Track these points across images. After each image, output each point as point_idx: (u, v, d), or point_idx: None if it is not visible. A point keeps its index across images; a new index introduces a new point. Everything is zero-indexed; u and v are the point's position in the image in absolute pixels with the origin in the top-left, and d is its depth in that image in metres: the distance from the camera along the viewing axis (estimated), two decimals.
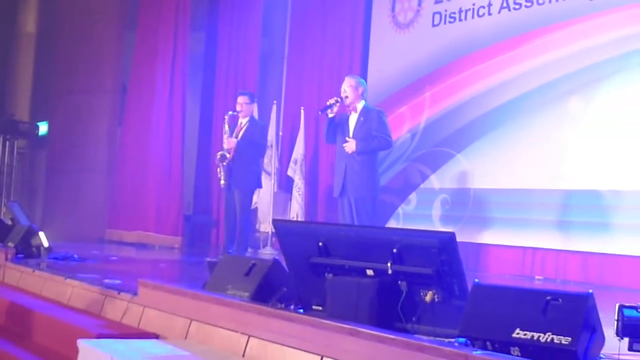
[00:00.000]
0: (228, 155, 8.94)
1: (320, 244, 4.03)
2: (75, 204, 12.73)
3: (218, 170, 9.07)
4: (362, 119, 8.01)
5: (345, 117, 8.16)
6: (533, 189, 8.66)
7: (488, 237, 9.04)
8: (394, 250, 3.74)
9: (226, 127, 9.13)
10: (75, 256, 8.34)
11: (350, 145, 7.94)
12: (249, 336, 4.13)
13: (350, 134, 8.00)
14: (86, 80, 13.07)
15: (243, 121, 9.17)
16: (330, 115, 8.08)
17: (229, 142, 9.01)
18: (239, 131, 9.13)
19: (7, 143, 15.21)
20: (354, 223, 7.79)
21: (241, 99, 9.19)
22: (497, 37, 9.19)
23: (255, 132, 9.16)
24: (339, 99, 8.08)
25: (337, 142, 8.18)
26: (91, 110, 13.05)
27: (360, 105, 8.09)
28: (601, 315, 3.29)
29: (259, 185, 9.49)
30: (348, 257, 3.97)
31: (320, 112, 8.45)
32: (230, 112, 9.23)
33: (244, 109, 9.13)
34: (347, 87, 8.09)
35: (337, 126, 8.13)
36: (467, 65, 9.50)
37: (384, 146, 8.18)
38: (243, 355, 4.11)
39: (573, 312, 3.16)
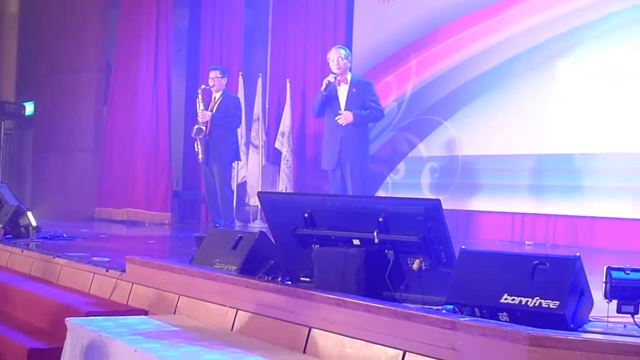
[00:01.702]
0: (204, 128, 8.99)
1: (306, 215, 4.01)
2: (64, 183, 12.69)
3: (195, 144, 9.12)
4: (354, 90, 7.96)
5: (334, 89, 8.08)
6: (521, 155, 8.64)
7: (477, 204, 9.04)
8: (380, 219, 3.72)
9: (200, 101, 9.19)
10: (64, 235, 8.31)
11: (347, 117, 7.89)
12: (237, 309, 4.12)
13: (342, 106, 7.95)
14: (71, 59, 12.98)
15: (217, 95, 9.26)
16: (324, 93, 8.01)
17: (203, 116, 9.08)
18: (214, 105, 9.19)
19: None
20: (347, 193, 7.77)
21: (213, 74, 9.30)
22: (482, 3, 9.13)
23: (230, 105, 9.23)
24: (335, 75, 8.02)
25: (325, 116, 8.13)
26: (76, 89, 12.98)
27: (348, 76, 8.05)
28: (590, 278, 3.28)
29: (238, 158, 9.53)
30: (334, 227, 3.95)
31: (323, 92, 8.09)
32: (202, 86, 9.30)
33: (216, 83, 9.23)
34: (339, 58, 8.02)
35: (326, 99, 8.07)
36: (452, 32, 9.45)
37: (378, 117, 8.18)
38: (232, 329, 4.10)
39: (561, 276, 3.15)
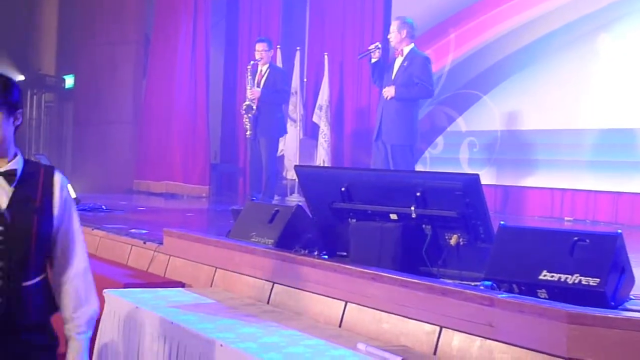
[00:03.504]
0: (253, 105, 8.92)
1: (343, 189, 3.99)
2: (103, 156, 12.78)
3: (244, 120, 9.06)
4: (405, 63, 7.90)
5: (393, 60, 8.08)
6: (561, 129, 8.53)
7: (516, 179, 8.94)
8: (418, 194, 3.69)
9: (249, 77, 9.10)
10: (104, 207, 8.39)
11: (389, 91, 7.84)
12: (274, 283, 4.12)
13: (392, 78, 7.91)
14: (110, 32, 13.04)
15: (263, 68, 9.13)
16: (374, 60, 8.01)
17: (253, 92, 8.98)
18: (261, 79, 9.10)
19: (35, 97, 15.26)
20: (388, 168, 7.72)
21: (259, 46, 9.15)
22: None
23: (277, 79, 9.13)
24: (379, 45, 8.01)
25: (382, 85, 8.10)
26: (116, 61, 13.04)
27: (407, 48, 7.95)
28: (631, 256, 3.22)
29: (284, 132, 9.49)
30: (371, 201, 3.92)
31: (359, 57, 8.36)
32: (252, 62, 9.20)
33: (264, 56, 9.10)
34: (391, 30, 8.03)
35: (384, 69, 8.04)
36: (491, 6, 9.32)
37: (424, 94, 8.02)
38: (268, 302, 4.10)
39: (601, 253, 3.10)
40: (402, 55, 7.97)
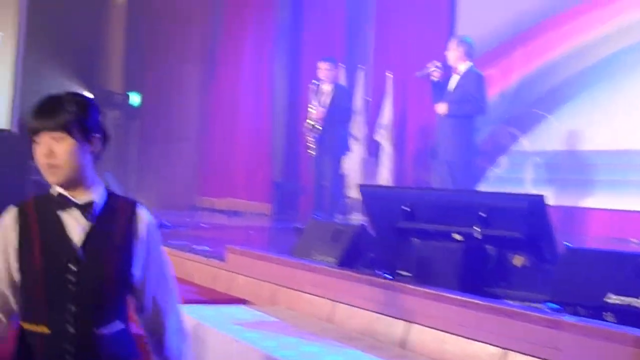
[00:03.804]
0: (318, 127, 8.92)
1: (407, 208, 3.98)
2: (167, 172, 12.92)
3: (308, 139, 9.07)
4: (462, 81, 7.91)
5: (449, 78, 8.10)
6: (628, 150, 8.39)
7: (582, 200, 8.82)
8: (482, 214, 3.67)
9: (312, 96, 9.10)
10: (167, 223, 8.47)
11: (441, 108, 7.85)
12: (336, 302, 4.11)
13: (449, 96, 7.91)
14: (175, 50, 13.22)
15: (328, 88, 9.13)
16: (434, 79, 8.02)
17: (317, 112, 8.99)
18: (326, 99, 9.10)
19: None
20: (447, 186, 7.70)
21: (323, 65, 9.15)
22: None
23: (342, 99, 9.12)
24: (438, 63, 8.01)
25: None
26: (181, 79, 13.21)
27: (463, 67, 7.96)
28: None
29: (348, 149, 9.47)
30: (434, 221, 3.91)
31: (417, 75, 8.37)
32: (314, 81, 9.21)
33: (328, 75, 9.10)
34: (449, 48, 8.07)
35: (444, 88, 8.05)
36: (558, 24, 9.23)
37: (476, 111, 7.99)
38: (330, 321, 4.09)
39: None
40: (458, 74, 7.96)
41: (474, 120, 8.11)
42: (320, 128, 8.90)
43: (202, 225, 9.52)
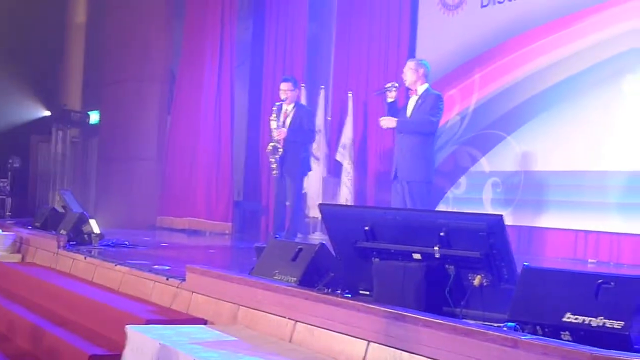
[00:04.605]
0: (280, 148, 8.93)
1: (367, 228, 4.00)
2: (127, 191, 12.85)
3: (270, 160, 9.08)
4: (420, 101, 7.97)
5: (407, 100, 8.18)
6: (586, 171, 8.50)
7: (540, 220, 8.91)
8: (441, 234, 3.69)
9: (274, 118, 9.11)
10: (127, 243, 8.43)
11: (387, 122, 7.94)
12: (296, 321, 4.11)
13: (409, 116, 7.97)
14: (135, 69, 13.17)
15: (289, 108, 9.16)
16: (390, 100, 8.08)
17: (279, 133, 9.00)
18: (285, 118, 9.12)
19: (60, 132, 15.41)
20: (406, 207, 7.73)
21: (284, 86, 9.19)
22: (547, 17, 9.01)
23: (304, 119, 9.15)
24: (396, 84, 8.09)
25: None
26: (141, 98, 13.16)
27: (421, 88, 8.04)
28: None
29: (309, 169, 9.50)
30: (395, 241, 3.93)
31: (375, 94, 8.58)
32: (277, 103, 9.23)
33: (289, 95, 9.14)
34: (407, 69, 8.11)
35: (399, 110, 8.12)
36: (517, 46, 9.35)
37: (425, 127, 7.96)
38: (290, 340, 4.09)
39: (626, 296, 3.08)
40: (416, 95, 8.03)
41: (433, 139, 8.17)
42: (282, 149, 8.92)
43: (162, 244, 9.48)
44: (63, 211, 9.21)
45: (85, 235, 8.12)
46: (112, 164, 13.37)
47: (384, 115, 8.21)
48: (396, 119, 7.94)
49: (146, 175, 13.04)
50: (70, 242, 7.92)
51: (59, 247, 7.82)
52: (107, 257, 6.95)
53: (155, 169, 13.09)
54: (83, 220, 8.24)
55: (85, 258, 7.14)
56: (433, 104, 7.96)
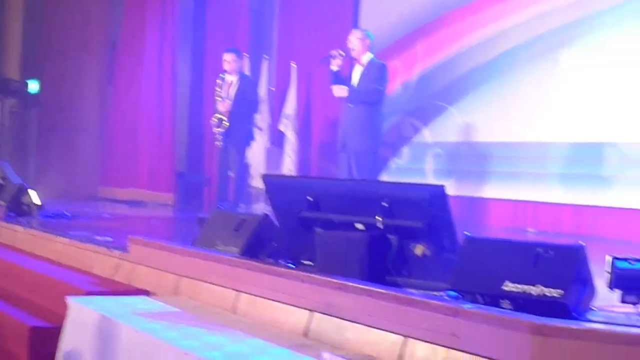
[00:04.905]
0: (225, 120, 8.88)
1: (310, 198, 4.00)
2: (68, 162, 12.69)
3: (215, 132, 9.02)
4: (365, 71, 7.99)
5: (351, 70, 8.18)
6: (526, 142, 8.61)
7: (482, 190, 9.01)
8: (384, 204, 3.71)
9: (218, 89, 9.04)
10: (67, 214, 8.33)
11: (339, 91, 7.94)
12: (239, 292, 4.11)
13: (356, 86, 7.97)
14: (76, 38, 12.97)
15: (233, 79, 9.10)
16: (334, 69, 8.07)
17: (223, 105, 8.94)
18: (229, 89, 9.06)
19: None
20: (352, 177, 7.77)
21: (228, 57, 9.12)
22: None
23: (247, 89, 9.11)
24: (341, 52, 8.07)
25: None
26: (81, 69, 12.98)
27: (366, 58, 8.06)
28: (593, 268, 3.26)
29: (252, 139, 9.48)
30: (338, 211, 3.94)
31: (319, 62, 8.59)
32: (221, 75, 9.16)
33: (233, 67, 9.07)
34: (354, 39, 8.11)
35: (343, 79, 8.12)
36: (459, 17, 9.39)
37: (374, 96, 8.02)
38: (233, 311, 4.09)
39: (564, 264, 3.13)
40: (361, 65, 8.04)
41: (380, 109, 8.19)
42: (227, 122, 8.87)
43: (104, 215, 9.39)
44: (2, 182, 9.06)
45: (25, 206, 7.99)
46: (53, 135, 13.18)
47: (331, 85, 8.21)
48: (347, 88, 7.94)
49: (87, 146, 12.90)
50: (10, 213, 7.81)
51: None
52: (47, 229, 6.87)
53: (96, 139, 12.95)
54: (22, 191, 8.11)
55: (25, 229, 7.05)
56: (379, 73, 7.99)
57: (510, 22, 8.84)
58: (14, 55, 15.32)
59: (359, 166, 7.87)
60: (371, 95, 7.97)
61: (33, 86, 14.55)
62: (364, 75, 7.99)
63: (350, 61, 8.37)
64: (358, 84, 7.99)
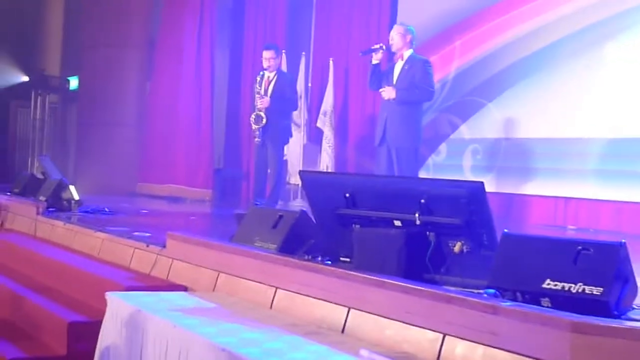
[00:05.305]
0: (263, 116, 8.87)
1: (348, 195, 3.98)
2: (107, 158, 12.79)
3: (253, 128, 9.01)
4: (406, 67, 7.95)
5: (392, 65, 8.16)
6: (565, 138, 8.53)
7: (520, 187, 8.94)
8: (422, 201, 3.69)
9: (258, 86, 9.03)
10: (106, 209, 8.39)
11: (389, 93, 7.89)
12: (276, 288, 4.11)
13: (394, 82, 7.95)
14: (115, 34, 13.06)
15: (270, 75, 9.09)
16: (375, 62, 8.09)
17: (262, 102, 8.93)
18: (268, 86, 9.05)
19: (39, 98, 15.30)
20: (393, 173, 7.75)
21: (267, 54, 9.09)
22: None
23: (285, 86, 9.09)
24: (384, 46, 8.08)
25: (379, 89, 8.12)
26: (120, 64, 13.07)
27: (407, 53, 8.03)
28: (634, 265, 3.22)
29: (290, 136, 9.47)
30: (375, 208, 3.92)
31: (361, 54, 8.59)
32: (261, 73, 9.15)
33: (271, 64, 9.05)
34: (395, 34, 8.08)
35: (383, 74, 8.11)
36: (497, 13, 9.33)
37: (426, 97, 8.05)
38: (270, 307, 4.09)
39: (605, 262, 3.09)
40: (402, 60, 8.01)
41: (422, 106, 8.17)
42: (266, 118, 8.86)
43: (142, 211, 9.45)
44: (42, 177, 9.16)
45: (65, 202, 8.07)
46: (92, 130, 13.29)
47: (368, 78, 8.22)
48: (395, 90, 7.89)
49: (126, 141, 12.99)
50: (50, 209, 7.88)
51: (38, 213, 7.77)
52: (86, 224, 6.92)
53: (135, 135, 13.03)
54: (62, 186, 8.19)
55: (64, 224, 7.11)
56: (424, 70, 7.92)
57: (549, 17, 8.76)
58: (54, 52, 15.50)
59: (400, 162, 7.85)
60: (423, 96, 7.96)
61: (73, 83, 14.70)
62: (405, 71, 7.95)
63: (390, 56, 8.34)
64: (398, 80, 7.94)
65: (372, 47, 8.15)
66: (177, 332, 3.59)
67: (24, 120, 16.12)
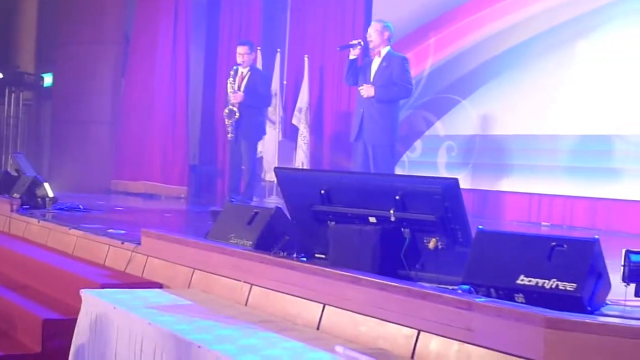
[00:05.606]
0: (236, 111, 8.87)
1: (323, 191, 3.99)
2: (81, 155, 12.72)
3: (226, 124, 9.01)
4: (384, 64, 7.96)
5: (368, 61, 8.15)
6: (539, 135, 8.58)
7: (494, 183, 8.99)
8: (397, 197, 3.70)
9: (231, 81, 9.03)
10: (81, 207, 8.34)
11: (368, 91, 7.88)
12: (252, 285, 4.11)
13: (371, 79, 7.95)
14: (89, 31, 12.98)
15: (244, 71, 9.09)
16: (352, 57, 8.08)
17: (235, 97, 8.93)
18: (241, 81, 9.05)
19: (13, 95, 15.19)
20: (370, 170, 7.76)
21: (241, 49, 9.10)
22: None
23: (258, 82, 9.09)
24: (362, 41, 8.07)
25: (358, 86, 8.12)
26: (95, 60, 12.99)
27: (384, 50, 8.03)
28: (607, 261, 3.25)
29: (264, 133, 9.47)
30: (350, 204, 3.92)
31: (338, 49, 8.59)
32: (234, 67, 9.15)
33: (245, 59, 9.05)
34: (373, 30, 8.06)
35: (359, 69, 8.10)
36: (472, 11, 9.37)
37: (404, 94, 8.07)
38: (246, 304, 4.09)
39: (578, 258, 3.11)
40: (379, 57, 8.02)
41: (399, 103, 8.18)
42: (238, 113, 8.86)
43: (117, 208, 9.41)
44: (16, 174, 9.09)
45: (39, 199, 8.02)
46: (66, 127, 13.21)
47: (344, 73, 8.24)
48: (374, 87, 7.88)
49: (100, 139, 12.92)
50: (24, 206, 7.83)
51: (12, 210, 7.72)
52: (61, 221, 6.89)
53: (109, 132, 12.97)
54: (36, 183, 8.14)
55: (38, 222, 7.07)
56: (402, 67, 7.93)
57: (522, 15, 8.81)
58: (28, 48, 15.38)
59: (376, 159, 7.85)
60: (402, 93, 7.98)
61: (47, 80, 14.61)
62: (382, 68, 7.95)
63: (366, 51, 8.34)
64: (375, 77, 7.94)
65: (351, 43, 8.16)
66: (152, 329, 3.58)
67: None
